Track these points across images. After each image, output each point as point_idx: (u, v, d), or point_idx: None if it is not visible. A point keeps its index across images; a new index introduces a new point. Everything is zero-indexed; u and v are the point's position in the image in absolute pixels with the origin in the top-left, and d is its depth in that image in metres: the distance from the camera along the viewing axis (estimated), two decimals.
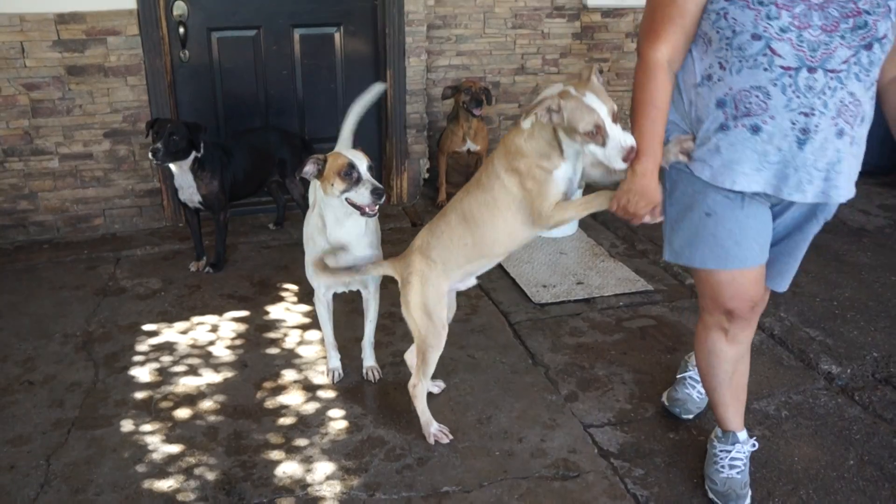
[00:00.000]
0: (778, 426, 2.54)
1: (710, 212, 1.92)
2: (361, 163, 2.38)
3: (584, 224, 4.22)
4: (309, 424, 2.54)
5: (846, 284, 3.54)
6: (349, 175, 2.34)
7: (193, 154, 3.41)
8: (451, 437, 2.44)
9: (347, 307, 3.16)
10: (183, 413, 2.58)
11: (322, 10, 4.19)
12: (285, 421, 2.55)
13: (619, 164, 1.89)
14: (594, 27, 4.82)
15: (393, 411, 2.61)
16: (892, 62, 1.80)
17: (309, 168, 2.38)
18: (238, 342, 3.05)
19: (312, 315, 3.13)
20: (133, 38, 3.81)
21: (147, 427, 2.51)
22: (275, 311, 3.29)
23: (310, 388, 2.74)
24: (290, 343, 3.04)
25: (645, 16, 1.86)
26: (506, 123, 4.91)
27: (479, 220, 2.20)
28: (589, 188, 2.33)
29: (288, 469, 2.32)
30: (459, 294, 2.59)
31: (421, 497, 2.21)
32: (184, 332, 3.11)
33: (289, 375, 2.82)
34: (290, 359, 2.93)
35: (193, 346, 3.01)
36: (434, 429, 2.44)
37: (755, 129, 1.77)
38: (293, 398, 2.68)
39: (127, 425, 2.52)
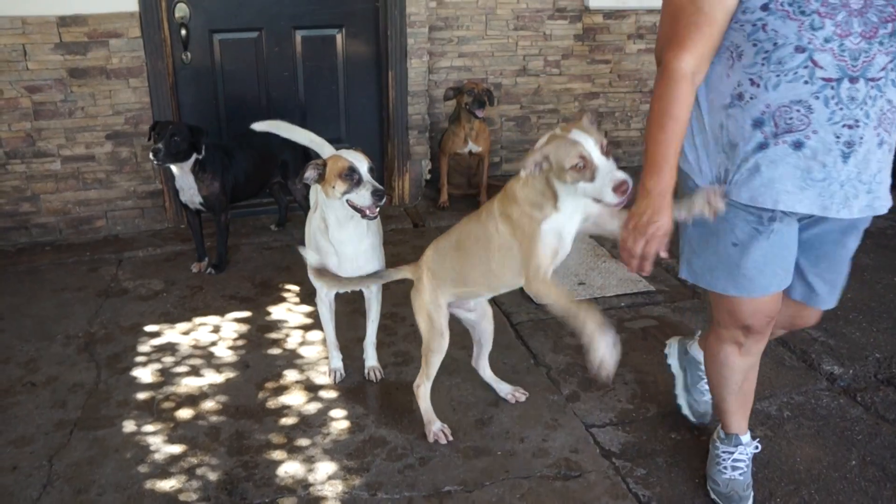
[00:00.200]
0: (780, 427, 2.54)
1: (737, 242, 1.84)
2: (362, 165, 2.38)
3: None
4: (311, 424, 2.54)
5: (848, 285, 3.52)
6: (350, 177, 2.36)
7: (194, 156, 3.42)
8: (451, 437, 2.44)
9: (349, 308, 3.17)
10: (185, 413, 2.59)
11: (323, 11, 4.20)
12: (287, 421, 2.56)
13: (612, 198, 1.79)
14: (596, 29, 4.83)
15: (395, 411, 2.61)
16: None
17: (309, 173, 2.40)
18: (240, 343, 3.05)
19: (314, 315, 3.13)
20: (135, 41, 3.82)
21: (149, 427, 2.51)
22: (276, 312, 3.30)
23: (312, 389, 2.74)
24: (291, 343, 3.04)
25: (664, 23, 1.75)
26: (507, 125, 4.92)
27: (468, 253, 2.24)
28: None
29: (290, 469, 2.32)
30: None
31: (423, 497, 2.21)
32: (186, 333, 3.11)
33: (291, 376, 2.82)
34: (291, 359, 2.93)
35: (195, 347, 3.01)
36: (436, 428, 2.45)
37: (797, 146, 1.68)
38: (295, 398, 2.68)
39: (129, 426, 2.52)
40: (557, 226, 2.01)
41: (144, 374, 2.81)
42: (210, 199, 3.53)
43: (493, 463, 2.35)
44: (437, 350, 2.37)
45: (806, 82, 1.63)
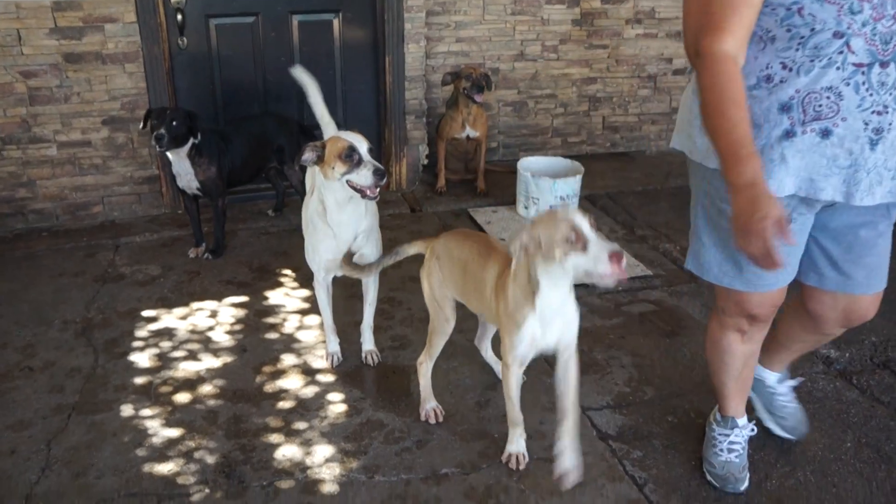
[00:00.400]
0: None
1: None
2: (362, 145, 2.38)
3: (582, 208, 4.21)
4: (308, 408, 2.55)
5: None
6: (350, 157, 2.35)
7: (191, 141, 3.41)
8: (441, 418, 2.46)
9: (347, 292, 3.17)
10: (182, 397, 2.59)
11: None
12: (285, 405, 2.56)
13: (608, 268, 1.73)
14: (594, 13, 4.80)
15: (392, 395, 2.62)
16: None
17: (308, 155, 2.38)
18: (237, 327, 3.05)
19: (311, 300, 3.13)
20: (130, 26, 3.79)
21: (147, 411, 2.52)
22: (274, 297, 3.30)
23: (309, 372, 2.75)
24: (289, 328, 3.05)
25: (693, 11, 1.66)
26: (505, 110, 4.90)
27: (469, 277, 2.23)
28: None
29: (287, 452, 2.33)
30: None
31: (420, 479, 2.22)
32: (183, 318, 3.11)
33: (288, 360, 2.82)
34: (289, 343, 2.94)
35: (193, 332, 3.01)
36: (429, 406, 2.47)
37: (825, 133, 1.64)
38: (292, 382, 2.69)
39: (127, 410, 2.52)
40: (532, 330, 2.02)
41: (142, 359, 2.81)
42: (207, 184, 3.52)
43: (490, 445, 2.36)
44: (440, 332, 2.38)
45: (838, 68, 1.58)
